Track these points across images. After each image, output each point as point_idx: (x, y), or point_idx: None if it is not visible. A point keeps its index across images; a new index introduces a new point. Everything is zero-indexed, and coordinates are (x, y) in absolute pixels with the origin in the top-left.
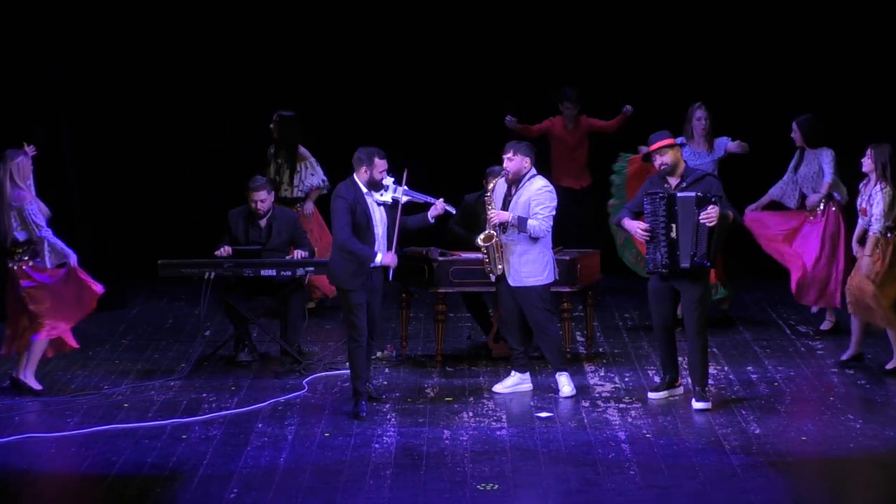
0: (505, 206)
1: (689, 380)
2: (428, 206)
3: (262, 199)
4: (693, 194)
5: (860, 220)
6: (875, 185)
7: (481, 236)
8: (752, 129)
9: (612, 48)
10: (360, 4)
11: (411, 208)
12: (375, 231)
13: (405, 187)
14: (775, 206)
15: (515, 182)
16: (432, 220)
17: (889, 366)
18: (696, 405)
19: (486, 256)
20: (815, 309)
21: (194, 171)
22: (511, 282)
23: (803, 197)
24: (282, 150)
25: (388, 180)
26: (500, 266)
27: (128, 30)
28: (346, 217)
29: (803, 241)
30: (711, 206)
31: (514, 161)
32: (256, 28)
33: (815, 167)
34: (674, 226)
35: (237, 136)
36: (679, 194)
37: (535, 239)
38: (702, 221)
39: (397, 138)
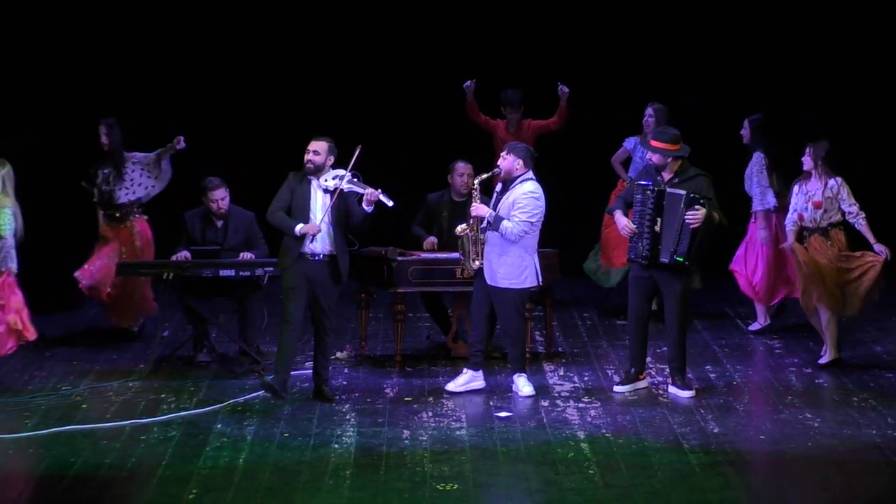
0: (493, 205)
1: (669, 371)
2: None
3: (222, 197)
4: (683, 193)
5: (810, 214)
6: (821, 179)
7: (458, 228)
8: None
9: (610, 48)
10: (357, 5)
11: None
12: (313, 216)
13: (349, 174)
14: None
15: (507, 182)
16: (368, 209)
17: (821, 361)
18: (682, 394)
19: (461, 249)
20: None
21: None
22: (487, 280)
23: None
24: (109, 159)
25: (340, 171)
26: (476, 262)
27: (127, 30)
28: (283, 195)
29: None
30: (698, 207)
31: (506, 160)
32: (255, 29)
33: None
34: (659, 220)
35: (236, 136)
36: (668, 190)
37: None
38: (687, 221)
39: (396, 138)
